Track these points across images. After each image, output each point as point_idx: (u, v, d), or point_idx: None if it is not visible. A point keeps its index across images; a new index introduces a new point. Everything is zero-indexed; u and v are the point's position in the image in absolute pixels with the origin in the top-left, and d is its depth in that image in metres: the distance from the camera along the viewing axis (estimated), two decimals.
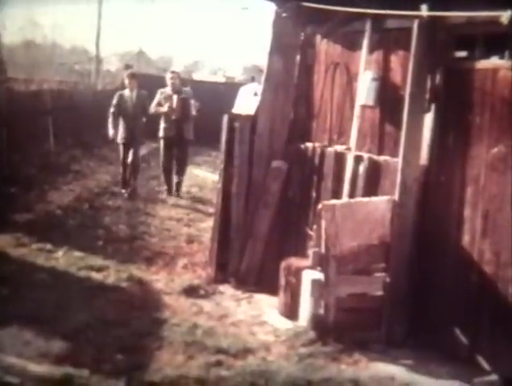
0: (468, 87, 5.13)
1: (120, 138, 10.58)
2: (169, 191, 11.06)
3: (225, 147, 6.69)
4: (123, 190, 10.62)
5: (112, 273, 6.45)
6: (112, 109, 10.62)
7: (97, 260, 6.79)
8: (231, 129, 6.61)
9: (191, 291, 6.18)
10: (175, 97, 10.63)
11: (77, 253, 7.00)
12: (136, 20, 61.13)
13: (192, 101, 10.87)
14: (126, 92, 10.64)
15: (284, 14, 6.51)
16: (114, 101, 10.61)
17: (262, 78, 6.77)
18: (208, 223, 8.04)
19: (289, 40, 6.59)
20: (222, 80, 26.83)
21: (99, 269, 6.52)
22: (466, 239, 5.11)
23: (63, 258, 6.82)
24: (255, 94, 10.23)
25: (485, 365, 4.92)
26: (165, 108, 10.61)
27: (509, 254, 4.80)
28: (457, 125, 5.21)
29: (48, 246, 7.08)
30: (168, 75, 11.04)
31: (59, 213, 8.77)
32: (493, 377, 4.79)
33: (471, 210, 5.07)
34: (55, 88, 15.25)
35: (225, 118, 6.67)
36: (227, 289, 6.39)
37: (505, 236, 4.85)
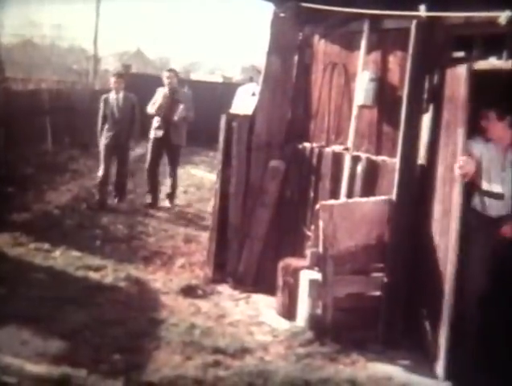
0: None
1: (102, 144, 9.75)
2: (153, 201, 9.96)
3: (222, 147, 6.69)
4: (98, 201, 9.60)
5: (110, 273, 6.44)
6: (100, 114, 9.88)
7: (95, 260, 6.79)
8: (229, 129, 6.61)
9: (189, 291, 6.18)
10: (165, 97, 9.88)
11: (75, 253, 6.99)
12: (134, 20, 61.21)
13: (182, 106, 9.81)
14: (112, 95, 9.83)
15: (282, 14, 6.51)
16: (101, 105, 9.87)
17: (260, 78, 6.77)
18: (206, 223, 8.03)
19: (287, 40, 6.59)
20: (220, 80, 26.84)
21: (97, 269, 6.51)
22: None
23: (60, 258, 6.81)
24: (253, 94, 10.18)
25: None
26: (156, 108, 9.86)
27: None
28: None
29: (46, 246, 7.07)
30: (165, 74, 10.25)
31: (56, 213, 8.76)
32: None
33: None
34: (53, 88, 15.25)
35: (223, 118, 6.67)
36: (225, 289, 6.39)
37: None
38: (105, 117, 9.75)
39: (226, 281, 6.52)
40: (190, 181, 12.62)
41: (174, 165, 10.18)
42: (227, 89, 17.30)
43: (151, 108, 9.93)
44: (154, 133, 9.94)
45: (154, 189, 10.02)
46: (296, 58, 6.66)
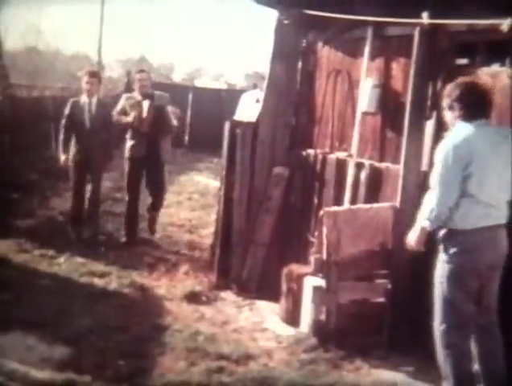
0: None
1: (72, 160, 7.88)
2: (129, 236, 8.02)
3: (226, 153, 6.72)
4: (72, 232, 7.98)
5: (114, 279, 6.46)
6: (63, 122, 7.95)
7: (99, 266, 6.81)
8: (233, 136, 6.63)
9: (192, 297, 6.19)
10: (145, 104, 7.78)
11: (79, 259, 7.02)
12: (138, 27, 61.41)
13: (170, 108, 8.12)
14: (83, 99, 7.91)
15: (286, 21, 6.53)
16: (66, 111, 7.93)
17: (264, 85, 6.80)
18: (210, 230, 8.05)
19: (291, 47, 6.61)
20: (224, 86, 26.89)
21: (101, 275, 6.54)
22: None
23: (65, 264, 6.84)
24: (257, 101, 10.10)
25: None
26: (130, 118, 7.80)
27: None
28: None
29: (50, 252, 7.10)
30: (136, 76, 8.24)
31: (61, 219, 8.77)
32: None
33: None
34: (57, 95, 15.28)
35: (227, 125, 6.69)
36: (229, 296, 6.40)
37: None
38: (72, 127, 7.89)
39: (230, 287, 6.54)
40: (194, 188, 12.64)
41: (159, 187, 8.26)
42: (231, 96, 17.32)
43: (120, 118, 7.92)
44: (131, 153, 7.95)
45: (133, 226, 8.14)
46: (300, 65, 6.69)
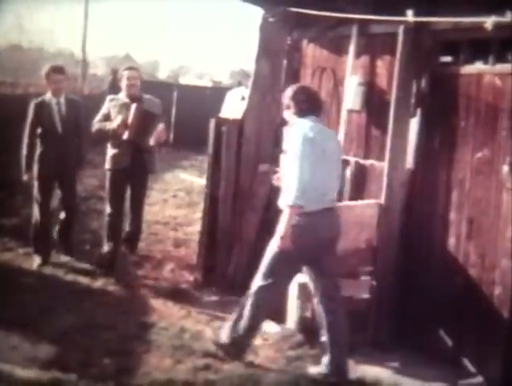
0: (453, 91, 5.19)
1: (38, 171, 6.77)
2: (111, 252, 6.82)
3: (212, 151, 6.70)
4: (37, 258, 6.79)
5: (99, 277, 6.44)
6: (27, 129, 6.76)
7: (84, 264, 6.77)
8: (218, 133, 6.62)
9: (178, 295, 6.18)
10: (133, 108, 6.57)
11: (64, 257, 6.98)
12: (123, 24, 61.16)
13: (161, 124, 6.76)
14: (49, 99, 6.82)
15: (271, 19, 6.54)
16: (30, 114, 6.79)
17: (249, 82, 6.80)
18: (196, 227, 8.04)
19: (276, 45, 6.62)
20: (209, 84, 26.87)
21: (86, 273, 6.51)
22: (451, 242, 5.17)
23: (50, 262, 6.80)
24: (242, 98, 10.08)
25: (471, 367, 4.97)
26: (114, 125, 6.59)
27: (493, 257, 4.86)
28: (443, 129, 5.27)
29: None
30: (124, 74, 6.84)
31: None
32: (479, 379, 4.84)
33: (456, 213, 5.13)
34: (41, 92, 15.19)
35: (212, 122, 6.68)
36: (214, 293, 6.40)
37: (489, 239, 4.91)
38: (38, 134, 6.77)
39: (216, 284, 6.53)
40: (180, 185, 12.61)
41: (140, 200, 7.08)
42: (216, 93, 17.32)
43: (103, 125, 6.73)
44: (113, 163, 6.78)
45: (115, 240, 6.92)
46: (285, 62, 6.69)
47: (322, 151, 4.54)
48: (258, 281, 4.74)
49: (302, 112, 4.69)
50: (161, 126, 6.71)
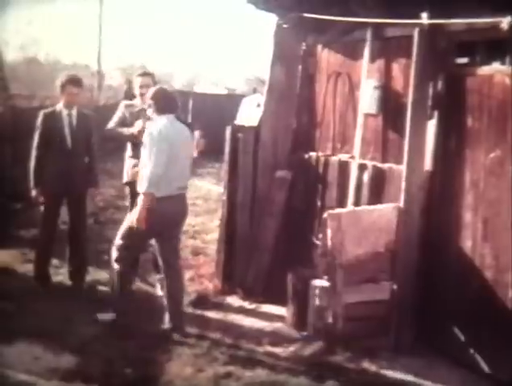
0: (469, 93, 5.15)
1: (44, 187, 6.28)
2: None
3: (228, 158, 6.71)
4: (38, 279, 6.42)
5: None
6: (36, 142, 6.32)
7: (103, 274, 6.79)
8: (234, 140, 6.63)
9: (198, 303, 6.18)
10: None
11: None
12: (137, 35, 61.49)
13: (197, 132, 5.90)
14: (59, 109, 6.37)
15: (285, 25, 6.55)
16: (39, 125, 6.33)
17: (265, 89, 6.80)
18: (214, 235, 8.03)
19: (290, 50, 6.63)
20: (224, 92, 26.91)
21: (106, 283, 6.52)
22: (468, 244, 5.11)
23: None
24: (258, 105, 10.07)
25: (487, 370, 4.91)
26: (135, 130, 6.19)
27: (508, 259, 4.80)
28: (459, 130, 5.23)
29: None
30: (137, 81, 6.49)
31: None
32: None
33: (472, 215, 5.08)
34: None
35: (229, 129, 6.69)
36: (234, 301, 6.39)
37: (503, 241, 4.85)
38: (47, 148, 6.30)
39: (235, 292, 6.53)
40: (197, 193, 12.62)
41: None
42: (231, 101, 17.35)
43: (120, 131, 6.36)
44: (133, 176, 6.07)
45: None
46: (300, 68, 6.69)
47: (173, 146, 5.22)
48: (116, 251, 5.47)
49: (159, 111, 5.40)
50: (197, 134, 5.90)
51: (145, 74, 6.61)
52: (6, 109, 11.12)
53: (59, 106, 6.37)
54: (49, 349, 4.89)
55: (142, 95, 6.33)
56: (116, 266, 5.50)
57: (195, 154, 5.99)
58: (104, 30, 23.42)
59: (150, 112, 5.53)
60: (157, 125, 5.30)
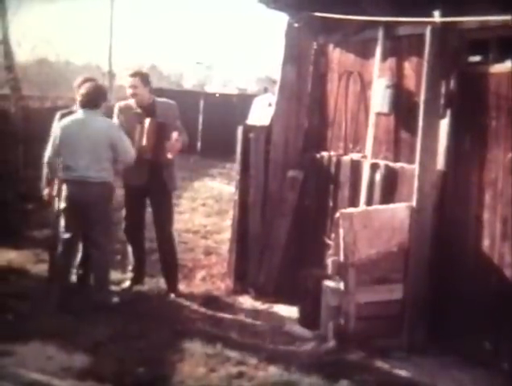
0: (482, 91, 5.12)
1: (64, 199, 5.92)
2: (135, 280, 6.51)
3: (240, 158, 6.71)
4: (53, 296, 5.86)
5: (132, 286, 6.47)
6: (50, 149, 6.01)
7: (116, 274, 6.80)
8: (246, 140, 6.63)
9: (210, 303, 6.18)
10: (147, 121, 6.04)
11: None
12: (148, 34, 61.65)
13: (175, 133, 6.03)
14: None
15: (296, 25, 6.54)
16: (57, 131, 6.01)
17: (276, 88, 6.80)
18: (226, 235, 8.04)
19: (301, 50, 6.62)
20: (235, 91, 26.92)
21: (118, 283, 6.54)
22: (486, 243, 5.08)
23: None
24: (269, 105, 10.06)
25: (508, 369, 4.88)
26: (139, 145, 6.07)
27: None
28: (473, 129, 5.20)
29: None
30: (127, 80, 6.29)
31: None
32: None
33: (490, 214, 5.05)
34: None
35: (240, 129, 6.69)
36: (246, 300, 6.40)
37: None
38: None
39: (247, 291, 6.53)
40: (209, 193, 12.65)
41: (163, 224, 6.47)
42: (242, 101, 17.37)
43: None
44: (128, 179, 6.38)
45: (139, 266, 6.60)
46: (311, 67, 6.68)
47: (70, 138, 5.87)
48: (62, 235, 6.00)
49: (81, 106, 5.97)
50: (174, 135, 5.97)
51: (134, 74, 6.29)
52: (17, 110, 11.15)
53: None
54: (63, 348, 4.91)
55: (132, 95, 6.23)
56: (63, 248, 6.01)
57: (169, 155, 6.07)
58: (115, 31, 23.49)
59: (75, 106, 6.16)
60: (65, 119, 6.02)
